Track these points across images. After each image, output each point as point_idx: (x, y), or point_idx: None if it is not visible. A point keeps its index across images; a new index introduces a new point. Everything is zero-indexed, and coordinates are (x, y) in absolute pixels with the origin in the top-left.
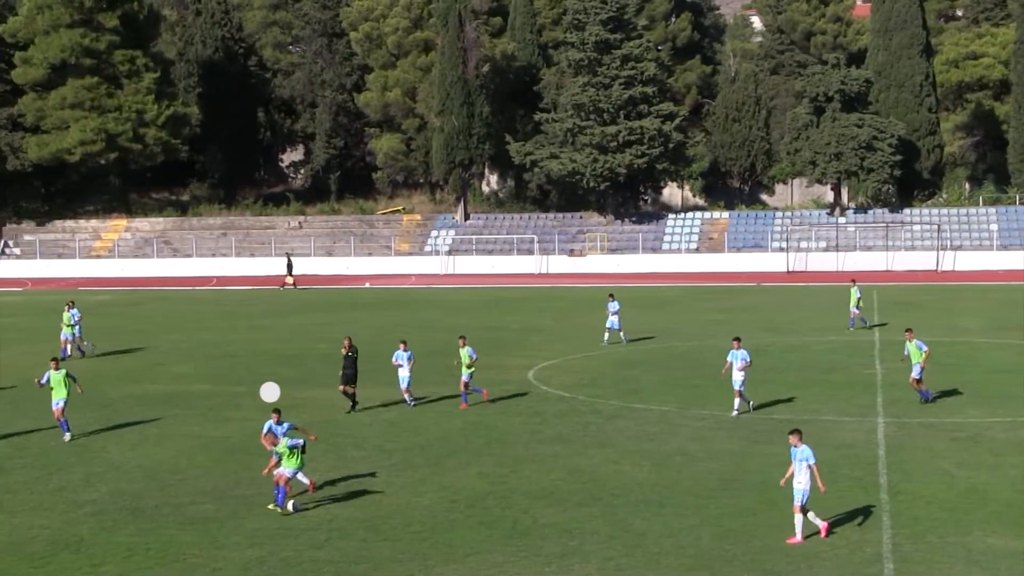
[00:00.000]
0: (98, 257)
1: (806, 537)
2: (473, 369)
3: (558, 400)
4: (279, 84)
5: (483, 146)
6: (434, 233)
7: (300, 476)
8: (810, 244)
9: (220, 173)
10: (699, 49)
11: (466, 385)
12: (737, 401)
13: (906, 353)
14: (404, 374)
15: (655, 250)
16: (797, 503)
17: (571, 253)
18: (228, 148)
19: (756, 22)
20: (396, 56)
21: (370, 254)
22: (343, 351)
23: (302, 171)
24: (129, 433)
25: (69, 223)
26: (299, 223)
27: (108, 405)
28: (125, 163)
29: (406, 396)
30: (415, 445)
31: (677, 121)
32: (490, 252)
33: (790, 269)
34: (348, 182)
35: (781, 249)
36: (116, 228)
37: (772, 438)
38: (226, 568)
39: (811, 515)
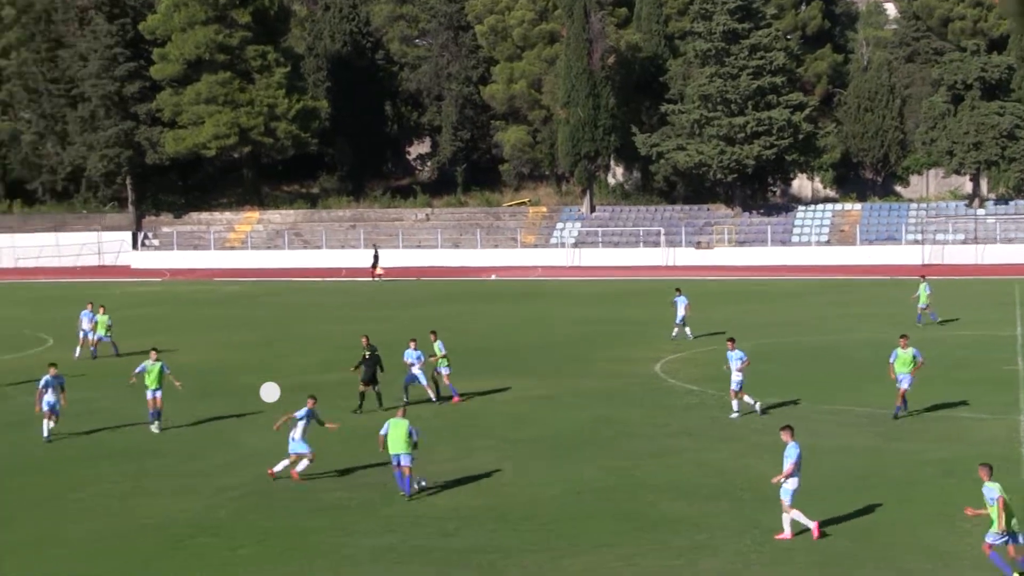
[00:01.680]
0: (232, 248)
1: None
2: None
3: (685, 393)
4: (406, 77)
5: (609, 138)
6: (560, 225)
7: (407, 462)
8: (947, 237)
9: (349, 166)
10: (830, 37)
11: (448, 377)
12: (735, 403)
13: None
14: (416, 372)
15: (784, 243)
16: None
17: (698, 245)
18: (356, 141)
19: (890, 9)
20: (521, 48)
21: (496, 246)
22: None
23: (429, 163)
24: (263, 420)
25: (204, 215)
26: (426, 215)
27: (240, 394)
28: (257, 156)
29: (430, 392)
30: (542, 437)
31: (807, 111)
32: (616, 244)
33: (925, 262)
34: (474, 174)
35: (916, 242)
36: (249, 220)
37: (908, 435)
38: (357, 554)
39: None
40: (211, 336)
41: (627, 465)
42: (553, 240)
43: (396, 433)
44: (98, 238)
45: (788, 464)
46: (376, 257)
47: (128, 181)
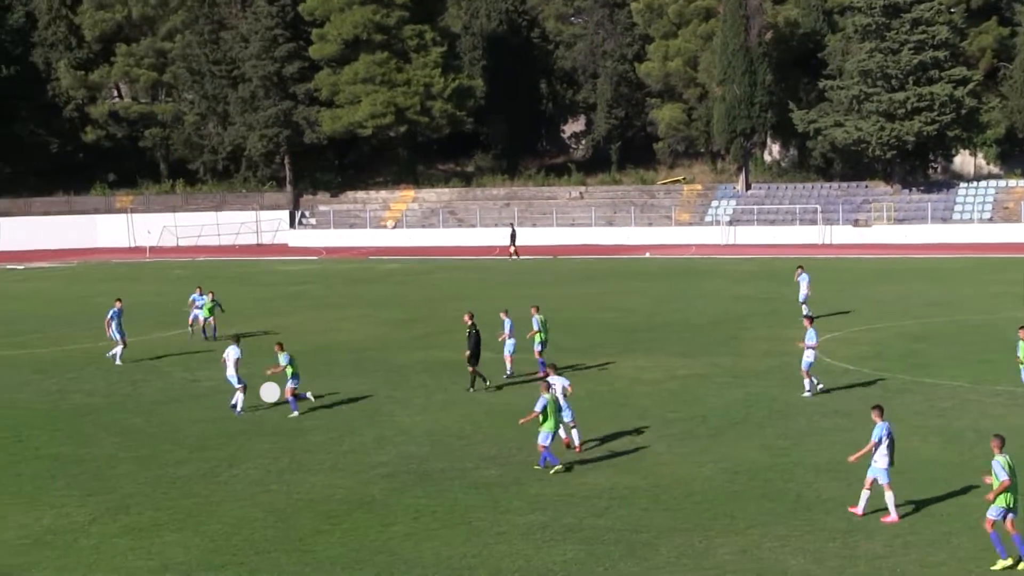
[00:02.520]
0: (387, 227)
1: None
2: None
3: (842, 373)
4: (561, 55)
5: (765, 115)
6: (715, 203)
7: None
8: None
9: (503, 144)
10: (996, 10)
11: (539, 353)
12: (806, 382)
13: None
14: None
15: (945, 220)
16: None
17: (856, 223)
18: (511, 120)
19: None
20: (677, 25)
21: (650, 224)
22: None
23: (583, 142)
24: (416, 398)
25: (360, 194)
26: (580, 193)
27: (396, 370)
28: (413, 135)
29: (508, 364)
30: (696, 416)
31: (971, 86)
32: (771, 223)
33: None
34: (629, 152)
35: None
36: (404, 199)
37: None
38: (509, 532)
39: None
40: (365, 313)
41: (783, 445)
42: (708, 218)
43: (556, 406)
44: (256, 217)
45: (873, 445)
46: (513, 236)
47: (286, 160)
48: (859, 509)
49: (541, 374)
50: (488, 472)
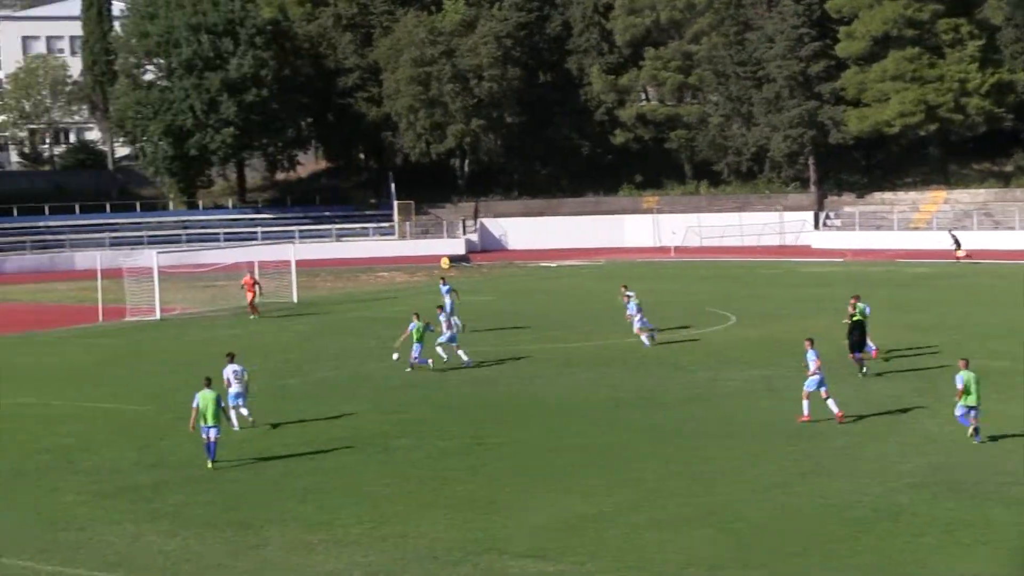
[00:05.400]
0: (915, 229)
1: None
2: None
3: None
4: None
5: None
6: None
7: None
8: None
9: None
10: None
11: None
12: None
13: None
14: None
15: None
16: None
17: None
18: None
19: None
20: None
21: None
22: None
23: None
24: (945, 407)
25: (887, 195)
26: None
27: (920, 378)
28: (945, 134)
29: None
30: None
31: None
32: None
33: None
34: None
35: None
36: (935, 200)
37: None
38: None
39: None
40: (890, 318)
41: None
42: None
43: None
44: (780, 218)
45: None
46: (956, 240)
47: (810, 161)
48: None
49: None
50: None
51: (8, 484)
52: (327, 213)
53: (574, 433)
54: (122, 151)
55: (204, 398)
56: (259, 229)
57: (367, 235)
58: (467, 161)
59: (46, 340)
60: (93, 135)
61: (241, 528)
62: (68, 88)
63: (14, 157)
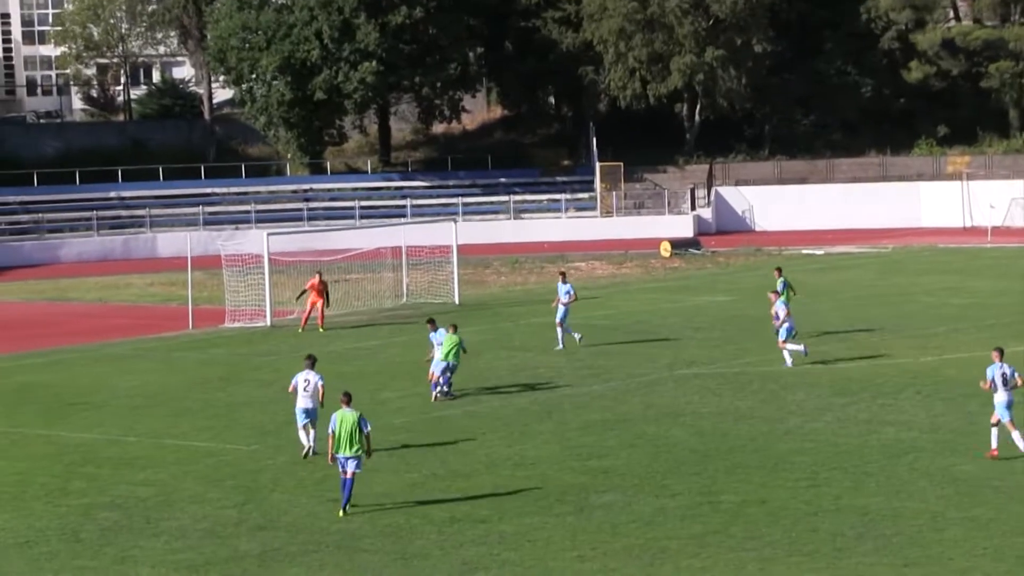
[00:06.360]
0: None
1: None
2: None
3: None
4: None
5: None
6: None
7: None
8: None
9: None
10: None
11: None
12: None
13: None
14: None
15: None
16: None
17: None
18: None
19: None
20: None
21: None
22: None
23: None
24: None
25: None
26: None
27: None
28: None
29: None
30: None
31: None
32: None
33: None
34: None
35: None
36: None
37: None
38: None
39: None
40: None
41: None
42: None
43: None
44: None
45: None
46: None
47: None
48: None
49: None
50: None
51: (62, 551)
52: (503, 180)
53: (847, 489)
54: (223, 95)
55: (343, 420)
56: (408, 202)
57: (558, 210)
58: (699, 108)
59: (117, 354)
60: (183, 72)
61: None
62: (151, 8)
63: (78, 103)
